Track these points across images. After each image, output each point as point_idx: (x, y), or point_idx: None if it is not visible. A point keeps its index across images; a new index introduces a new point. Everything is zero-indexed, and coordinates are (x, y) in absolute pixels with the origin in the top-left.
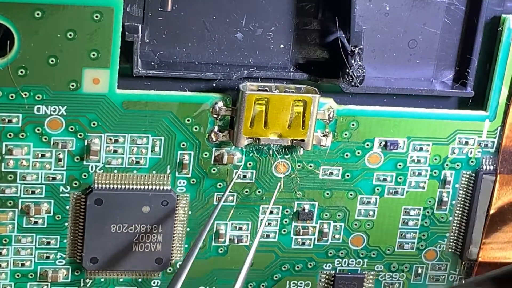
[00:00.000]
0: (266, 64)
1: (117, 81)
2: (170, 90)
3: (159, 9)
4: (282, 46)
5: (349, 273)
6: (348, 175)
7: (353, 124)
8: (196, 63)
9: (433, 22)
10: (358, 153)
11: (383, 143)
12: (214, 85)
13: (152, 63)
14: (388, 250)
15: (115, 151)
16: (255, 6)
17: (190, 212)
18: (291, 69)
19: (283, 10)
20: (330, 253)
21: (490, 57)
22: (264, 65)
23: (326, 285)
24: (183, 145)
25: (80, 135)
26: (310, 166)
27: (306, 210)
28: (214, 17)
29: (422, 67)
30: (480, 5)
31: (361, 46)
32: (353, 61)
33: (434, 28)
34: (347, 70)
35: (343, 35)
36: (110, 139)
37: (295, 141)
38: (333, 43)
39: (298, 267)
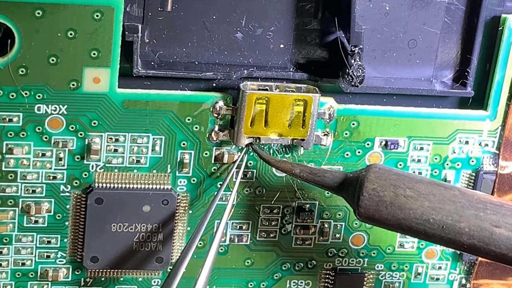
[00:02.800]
0: (266, 64)
1: (117, 81)
2: (170, 90)
3: (159, 9)
4: (282, 46)
5: (350, 272)
6: None
7: (353, 124)
8: (196, 63)
9: (433, 22)
10: (359, 152)
11: (384, 142)
12: (214, 85)
13: (152, 63)
14: (389, 249)
15: (115, 150)
16: (255, 6)
17: (190, 212)
18: (291, 69)
19: (283, 10)
20: (331, 252)
21: (490, 57)
22: (264, 65)
23: (326, 284)
24: (184, 144)
25: (81, 134)
26: (311, 165)
27: (307, 209)
28: (214, 17)
29: (422, 67)
30: (480, 5)
31: (361, 46)
32: (353, 61)
33: (434, 28)
34: (347, 70)
35: (343, 35)
36: (111, 138)
37: (295, 141)
38: (333, 43)
39: (298, 266)
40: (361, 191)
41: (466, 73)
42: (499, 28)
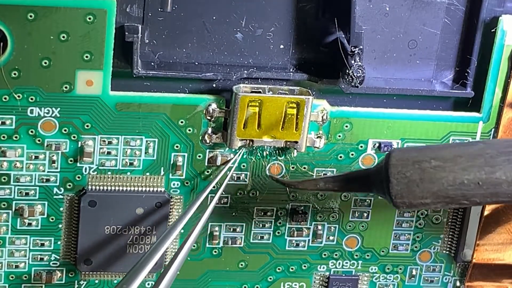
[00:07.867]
0: (266, 64)
1: (110, 83)
2: (169, 90)
3: (159, 9)
4: (282, 46)
5: (344, 275)
6: None
7: (346, 126)
8: (196, 63)
9: (433, 23)
10: (352, 154)
11: (377, 144)
12: (214, 85)
13: (152, 64)
14: (382, 251)
15: (108, 153)
16: (255, 6)
17: None
18: (291, 70)
19: (283, 10)
20: (324, 254)
21: (489, 57)
22: (264, 65)
23: (320, 286)
24: (177, 146)
25: (74, 137)
26: (304, 168)
27: (300, 212)
28: (214, 18)
29: (422, 68)
30: (480, 6)
31: (361, 47)
32: (353, 62)
33: (434, 28)
34: (347, 71)
35: (343, 36)
36: (104, 141)
37: (288, 143)
38: (333, 44)
39: (292, 268)
40: (388, 180)
41: (466, 74)
42: (492, 30)
